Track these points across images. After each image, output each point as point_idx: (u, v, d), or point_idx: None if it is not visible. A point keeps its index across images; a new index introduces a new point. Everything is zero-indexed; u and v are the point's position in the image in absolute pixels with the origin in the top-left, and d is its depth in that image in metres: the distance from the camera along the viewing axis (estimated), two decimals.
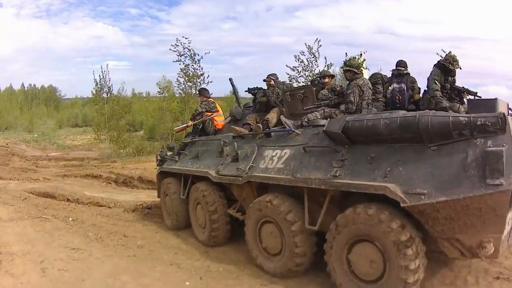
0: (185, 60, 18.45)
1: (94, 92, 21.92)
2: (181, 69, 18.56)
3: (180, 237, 6.18)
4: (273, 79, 6.12)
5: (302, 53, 19.93)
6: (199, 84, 18.59)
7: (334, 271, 3.84)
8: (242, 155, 5.03)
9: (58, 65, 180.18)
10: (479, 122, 3.13)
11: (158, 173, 7.19)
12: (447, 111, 4.22)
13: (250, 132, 5.39)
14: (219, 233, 5.52)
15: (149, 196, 9.36)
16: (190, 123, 6.98)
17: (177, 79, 19.15)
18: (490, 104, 3.50)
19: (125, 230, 6.55)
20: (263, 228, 4.66)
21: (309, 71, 20.59)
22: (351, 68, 4.93)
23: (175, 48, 18.24)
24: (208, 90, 7.54)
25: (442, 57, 5.18)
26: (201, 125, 6.77)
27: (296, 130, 4.60)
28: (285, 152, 4.47)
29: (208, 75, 18.67)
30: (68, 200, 9.67)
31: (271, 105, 5.86)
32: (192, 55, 18.45)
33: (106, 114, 21.14)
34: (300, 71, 20.08)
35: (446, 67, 4.98)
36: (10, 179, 13.12)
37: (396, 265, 3.37)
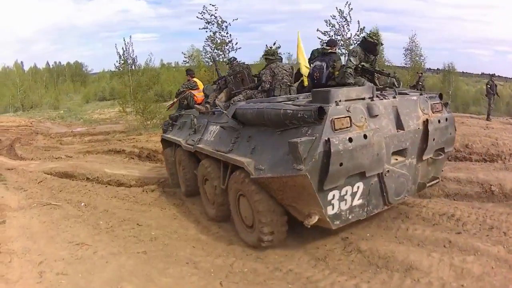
0: (212, 28, 18.02)
1: (118, 65, 21.38)
2: (208, 36, 18.00)
3: (201, 225, 5.45)
4: (230, 61, 7.06)
5: (333, 17, 19.12)
6: (227, 51, 18.27)
7: (233, 216, 4.95)
8: (199, 129, 6.03)
9: (84, 41, 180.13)
10: (299, 115, 3.63)
11: (161, 140, 8.46)
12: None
13: (205, 110, 6.15)
14: (191, 187, 6.66)
15: None
16: (175, 99, 8.36)
17: (203, 47, 18.88)
18: (325, 94, 3.77)
19: (140, 216, 5.85)
20: (206, 184, 5.75)
21: (340, 36, 19.65)
22: (268, 56, 5.81)
23: (202, 16, 17.81)
24: (193, 71, 8.81)
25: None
26: (185, 101, 7.82)
27: (224, 111, 5.24)
28: (217, 128, 5.36)
29: (237, 42, 18.28)
30: (87, 179, 9.26)
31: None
32: (220, 22, 17.92)
33: (131, 86, 20.66)
34: (332, 35, 19.39)
35: (369, 43, 5.29)
36: (31, 159, 12.84)
37: (257, 218, 4.25)
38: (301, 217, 3.96)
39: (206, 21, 17.86)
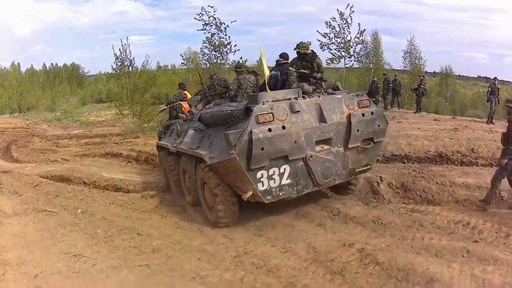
0: (210, 29, 18.04)
1: (115, 67, 21.07)
2: (206, 38, 17.84)
3: (205, 235, 5.17)
4: (211, 76, 8.27)
5: (333, 19, 18.95)
6: (225, 53, 18.42)
7: (201, 199, 5.89)
8: (181, 133, 6.83)
9: (80, 43, 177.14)
10: (234, 114, 4.67)
11: (156, 146, 9.17)
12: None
13: (186, 118, 7.13)
14: (177, 182, 7.30)
15: None
16: (166, 107, 9.36)
17: (201, 49, 18.96)
18: (255, 97, 4.85)
19: (140, 225, 5.59)
20: (185, 175, 6.74)
21: (341, 38, 19.49)
22: (236, 69, 7.18)
23: (200, 17, 17.82)
24: (185, 85, 10.00)
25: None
26: (175, 112, 8.69)
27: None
28: (192, 131, 6.22)
29: (236, 44, 18.32)
30: (84, 183, 9.03)
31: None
32: (218, 23, 17.75)
33: (128, 88, 20.36)
34: (332, 37, 19.25)
35: (298, 53, 6.13)
36: (27, 162, 12.58)
37: (214, 199, 5.27)
38: (242, 193, 4.87)
39: (204, 22, 17.71)
